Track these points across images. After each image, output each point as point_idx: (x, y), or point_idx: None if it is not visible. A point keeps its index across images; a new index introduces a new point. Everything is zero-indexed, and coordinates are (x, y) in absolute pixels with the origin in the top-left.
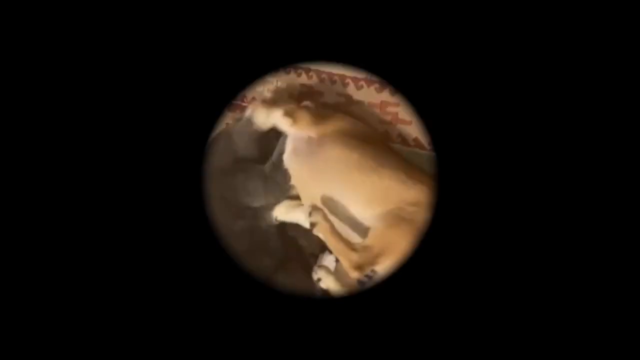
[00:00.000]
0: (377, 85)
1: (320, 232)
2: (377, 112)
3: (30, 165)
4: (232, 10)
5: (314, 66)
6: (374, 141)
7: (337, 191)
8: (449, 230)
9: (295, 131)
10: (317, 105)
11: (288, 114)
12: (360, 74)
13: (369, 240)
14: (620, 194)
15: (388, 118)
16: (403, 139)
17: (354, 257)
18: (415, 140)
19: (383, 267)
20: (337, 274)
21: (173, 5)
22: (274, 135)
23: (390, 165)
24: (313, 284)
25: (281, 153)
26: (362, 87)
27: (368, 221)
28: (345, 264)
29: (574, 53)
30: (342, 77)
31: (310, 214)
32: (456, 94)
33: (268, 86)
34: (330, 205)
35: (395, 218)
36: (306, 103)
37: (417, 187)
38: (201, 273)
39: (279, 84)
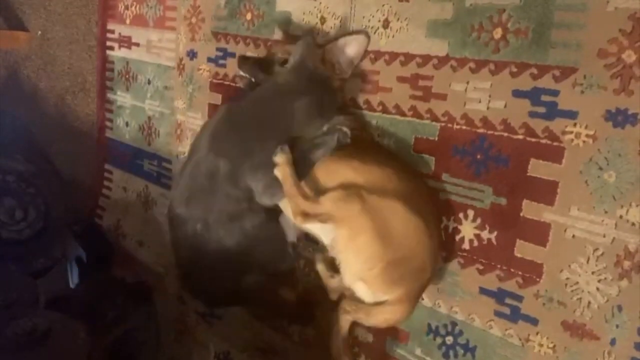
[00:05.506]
0: None
1: (280, 173)
2: (358, 81)
3: None
4: None
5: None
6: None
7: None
8: None
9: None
10: None
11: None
12: None
13: (322, 198)
14: None
15: (369, 87)
16: (384, 107)
17: (302, 203)
18: (396, 107)
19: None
20: None
21: None
22: None
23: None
24: None
25: None
26: None
27: None
28: (292, 207)
29: None
30: None
31: (276, 154)
32: None
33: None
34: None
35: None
36: None
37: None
38: None
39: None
